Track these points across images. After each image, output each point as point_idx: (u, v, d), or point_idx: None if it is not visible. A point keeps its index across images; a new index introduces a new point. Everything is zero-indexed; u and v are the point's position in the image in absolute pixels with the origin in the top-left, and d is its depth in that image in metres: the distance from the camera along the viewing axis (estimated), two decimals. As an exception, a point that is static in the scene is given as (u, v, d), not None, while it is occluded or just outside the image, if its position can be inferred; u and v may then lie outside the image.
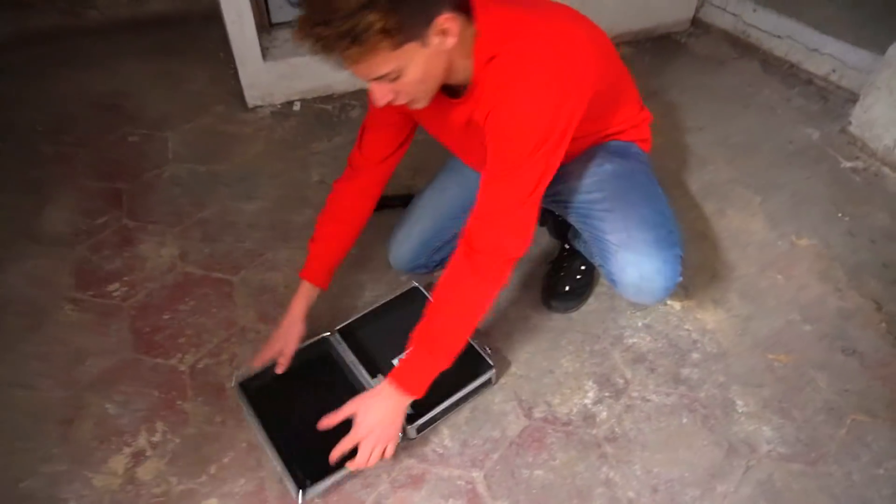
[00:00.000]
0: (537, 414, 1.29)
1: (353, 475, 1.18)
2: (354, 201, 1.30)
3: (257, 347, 1.41)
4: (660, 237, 1.17)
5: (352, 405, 1.12)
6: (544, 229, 1.62)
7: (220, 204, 1.76)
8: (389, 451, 1.12)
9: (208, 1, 1.85)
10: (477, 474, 1.21)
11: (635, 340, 1.42)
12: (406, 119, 1.23)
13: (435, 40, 0.91)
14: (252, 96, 2.05)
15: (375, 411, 1.10)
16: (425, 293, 1.43)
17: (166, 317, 1.49)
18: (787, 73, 2.19)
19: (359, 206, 1.31)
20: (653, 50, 2.35)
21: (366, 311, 1.41)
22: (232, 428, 1.29)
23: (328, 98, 2.11)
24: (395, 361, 1.31)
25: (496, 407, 1.31)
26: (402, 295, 1.44)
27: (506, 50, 0.97)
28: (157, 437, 1.28)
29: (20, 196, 1.77)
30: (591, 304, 1.50)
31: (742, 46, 2.33)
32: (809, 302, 1.48)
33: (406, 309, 1.40)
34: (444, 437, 1.26)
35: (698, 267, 1.57)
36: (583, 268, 1.47)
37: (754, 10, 2.24)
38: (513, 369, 1.37)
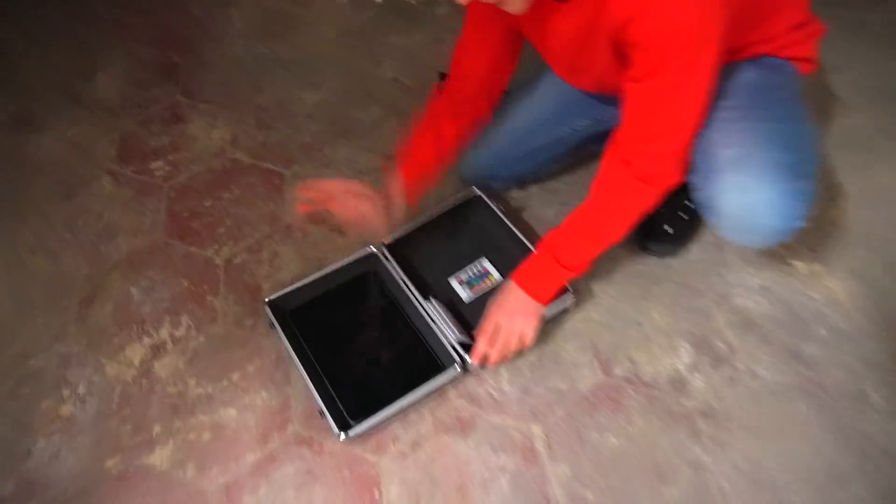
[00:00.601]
0: (617, 370, 1.08)
1: (395, 416, 1.00)
2: (451, 130, 1.09)
3: (301, 249, 1.24)
4: (784, 161, 0.90)
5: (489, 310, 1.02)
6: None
7: (280, 90, 1.57)
8: (529, 339, 1.01)
9: None
10: (536, 428, 1.02)
11: (746, 302, 1.17)
12: (507, 34, 1.01)
13: None
14: (329, -22, 1.83)
15: (506, 305, 1.01)
16: (490, 204, 1.20)
17: (207, 203, 1.33)
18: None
19: (458, 135, 1.10)
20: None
21: (418, 222, 1.19)
22: (262, 334, 1.13)
23: (412, -10, 1.87)
24: (453, 281, 1.11)
25: (567, 355, 1.10)
26: (461, 204, 1.22)
27: None
28: (180, 332, 1.13)
29: (71, 57, 1.63)
30: (694, 252, 1.25)
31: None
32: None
33: (466, 220, 1.19)
34: (503, 380, 1.07)
35: (832, 226, 1.29)
36: (687, 203, 1.22)
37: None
38: (592, 313, 1.15)
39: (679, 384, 1.06)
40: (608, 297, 1.17)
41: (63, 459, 1.00)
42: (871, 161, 1.44)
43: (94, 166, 1.40)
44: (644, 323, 1.14)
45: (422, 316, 1.06)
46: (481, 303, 1.06)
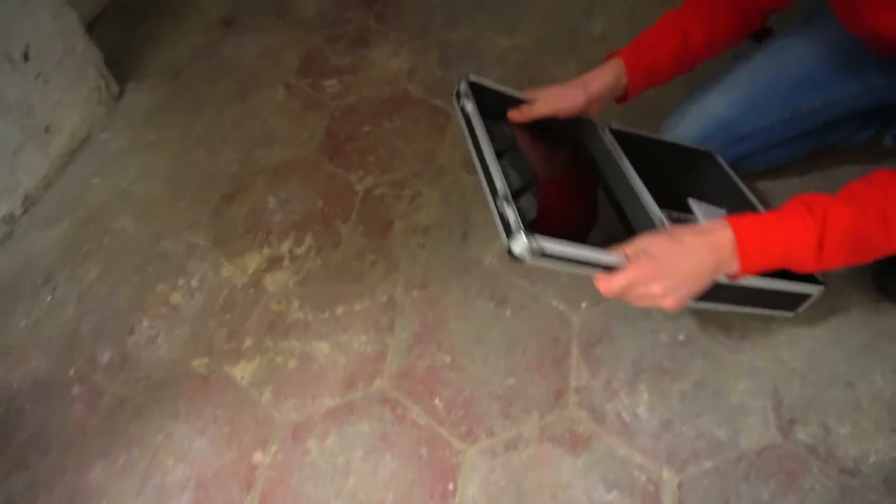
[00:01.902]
0: (801, 434, 0.79)
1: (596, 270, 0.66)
2: (717, 10, 0.84)
3: (447, 195, 1.10)
4: None
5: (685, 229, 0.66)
6: None
7: (474, 30, 1.43)
8: (670, 304, 0.64)
9: None
10: (669, 475, 0.78)
11: None
12: None
13: None
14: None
15: (689, 254, 0.63)
16: (723, 165, 0.94)
17: (366, 128, 1.24)
18: None
19: (720, 21, 0.85)
20: None
21: (648, 135, 0.94)
22: (381, 274, 1.01)
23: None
24: (694, 205, 0.82)
25: (737, 396, 0.83)
26: (692, 149, 0.95)
27: None
28: (300, 250, 1.06)
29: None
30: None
31: None
32: None
33: (691, 165, 0.93)
34: (641, 402, 0.84)
35: None
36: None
37: None
38: (784, 352, 0.86)
39: (894, 483, 0.74)
40: (813, 339, 0.87)
41: (158, 346, 0.97)
42: None
43: (275, 75, 1.38)
44: (858, 385, 0.83)
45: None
46: None
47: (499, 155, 0.73)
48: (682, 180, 0.87)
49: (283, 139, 1.24)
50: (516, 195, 0.67)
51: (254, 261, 1.05)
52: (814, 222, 0.62)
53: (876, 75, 0.82)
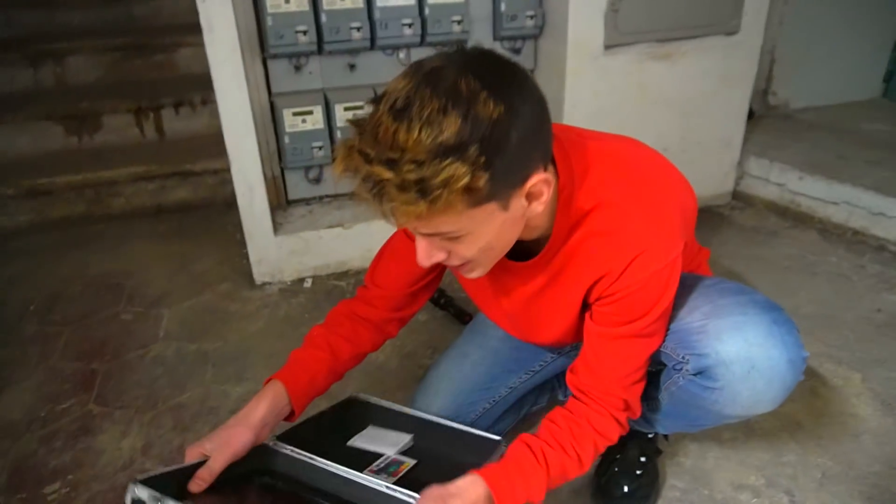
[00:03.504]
0: None
1: None
2: (358, 328, 1.03)
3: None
4: (756, 300, 0.86)
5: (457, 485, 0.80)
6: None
7: (203, 387, 1.50)
8: None
9: (232, 188, 1.79)
10: None
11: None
12: (432, 271, 1.02)
13: (519, 203, 0.72)
14: (260, 272, 1.90)
15: None
16: (368, 400, 1.14)
17: (104, 528, 1.15)
18: (852, 240, 1.96)
19: (363, 337, 1.04)
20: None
21: (303, 420, 1.04)
22: None
23: (342, 274, 1.94)
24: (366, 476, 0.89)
25: None
26: (338, 405, 1.13)
27: (606, 202, 0.79)
28: None
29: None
30: (661, 513, 1.12)
31: (793, 216, 2.14)
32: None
33: (346, 418, 1.10)
34: None
35: (799, 466, 1.20)
36: (642, 459, 1.12)
37: (800, 178, 2.09)
38: None
39: None
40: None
41: None
42: (818, 387, 1.41)
43: (-23, 501, 1.22)
44: None
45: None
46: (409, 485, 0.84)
47: None
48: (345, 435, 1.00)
49: (-2, 577, 1.07)
50: None
51: None
52: (540, 465, 0.82)
53: (543, 356, 1.12)
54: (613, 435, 0.89)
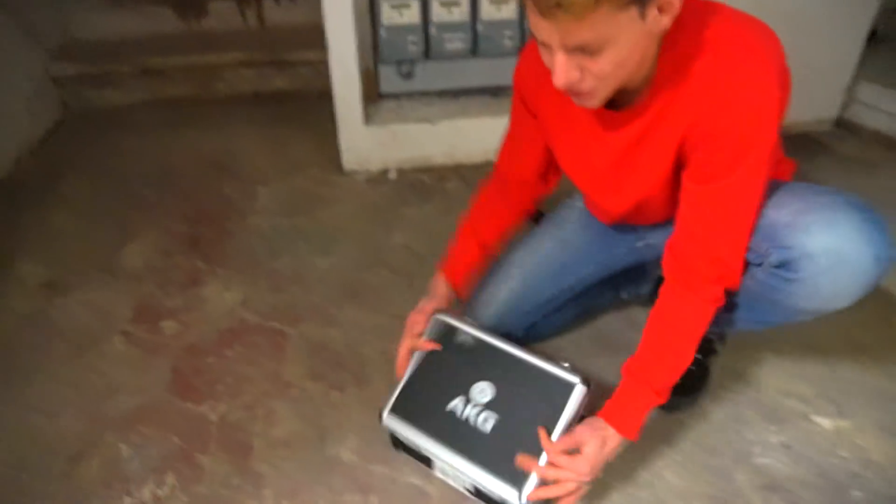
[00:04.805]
0: (628, 537, 0.97)
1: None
2: (497, 208, 1.19)
3: (298, 406, 1.22)
4: (850, 199, 0.85)
5: (583, 434, 0.92)
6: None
7: (295, 256, 1.65)
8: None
9: (326, 79, 1.87)
10: None
11: (768, 461, 1.08)
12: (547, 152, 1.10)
13: (653, 13, 0.75)
14: (349, 160, 2.01)
15: (604, 455, 0.92)
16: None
17: (210, 360, 1.34)
18: (962, 177, 1.85)
19: (502, 213, 1.19)
20: (789, 148, 2.09)
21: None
22: (248, 495, 1.07)
23: (426, 169, 2.02)
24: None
25: (573, 519, 1.00)
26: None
27: (709, 48, 0.81)
28: (163, 491, 1.08)
29: (108, 232, 1.76)
30: (709, 407, 1.18)
31: (900, 148, 2.02)
32: None
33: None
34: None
35: (854, 383, 1.22)
36: (697, 356, 1.18)
37: (916, 108, 1.96)
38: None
39: (700, 554, 0.94)
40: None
41: None
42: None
43: (109, 327, 1.44)
44: (656, 484, 1.05)
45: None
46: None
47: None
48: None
49: (127, 387, 1.28)
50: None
51: (115, 515, 1.05)
52: (644, 384, 0.92)
53: (613, 249, 1.20)
54: (709, 319, 0.92)
